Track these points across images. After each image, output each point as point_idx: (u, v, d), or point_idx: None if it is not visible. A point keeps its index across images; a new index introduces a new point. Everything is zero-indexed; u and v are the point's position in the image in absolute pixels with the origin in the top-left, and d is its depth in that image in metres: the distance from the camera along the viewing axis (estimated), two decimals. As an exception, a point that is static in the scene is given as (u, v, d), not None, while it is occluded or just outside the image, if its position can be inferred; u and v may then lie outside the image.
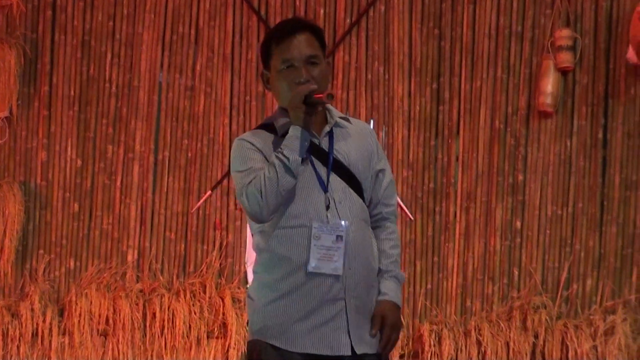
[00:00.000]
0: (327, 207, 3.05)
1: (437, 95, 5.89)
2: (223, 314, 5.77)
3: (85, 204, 5.95)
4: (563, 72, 5.77)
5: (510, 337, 5.66)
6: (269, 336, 3.04)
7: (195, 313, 5.77)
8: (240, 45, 5.98)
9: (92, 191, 5.95)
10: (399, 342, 5.57)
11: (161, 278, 5.88)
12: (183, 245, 5.92)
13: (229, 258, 5.88)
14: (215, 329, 5.79)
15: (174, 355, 5.77)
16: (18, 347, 5.77)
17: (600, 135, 5.80)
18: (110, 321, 5.80)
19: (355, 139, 3.17)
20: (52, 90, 6.00)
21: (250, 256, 5.35)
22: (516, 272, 5.78)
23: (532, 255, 5.78)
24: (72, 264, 5.92)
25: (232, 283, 5.84)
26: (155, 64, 6.00)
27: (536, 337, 5.67)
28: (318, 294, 3.02)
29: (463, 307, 5.80)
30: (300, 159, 2.99)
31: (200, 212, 5.91)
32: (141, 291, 5.86)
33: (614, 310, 5.67)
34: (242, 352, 5.68)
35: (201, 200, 5.87)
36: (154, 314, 5.78)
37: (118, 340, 5.78)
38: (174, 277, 5.89)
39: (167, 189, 5.95)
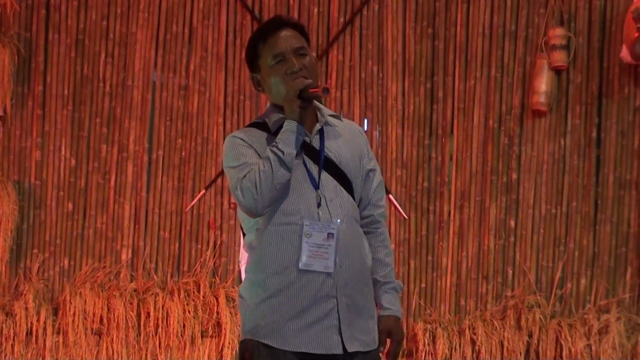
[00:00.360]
0: (319, 205, 3.04)
1: (431, 95, 5.90)
2: (217, 313, 5.77)
3: (79, 203, 5.94)
4: (557, 71, 5.77)
5: (504, 336, 5.66)
6: (261, 335, 3.02)
7: (189, 312, 5.76)
8: (234, 45, 5.98)
9: (86, 190, 5.95)
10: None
11: (155, 277, 5.87)
12: (177, 245, 5.92)
13: (223, 257, 5.88)
14: (210, 328, 5.79)
15: (168, 355, 5.76)
16: (12, 346, 5.77)
17: (594, 135, 5.81)
18: (105, 320, 5.80)
19: (346, 138, 3.17)
20: (46, 89, 5.99)
21: (244, 256, 5.35)
22: (510, 271, 5.77)
23: (526, 254, 5.78)
24: (66, 263, 5.92)
25: (226, 282, 5.84)
26: (149, 63, 6.00)
27: (530, 336, 5.66)
28: (309, 291, 3.00)
29: (457, 306, 5.80)
30: (295, 152, 2.99)
31: (194, 211, 5.91)
32: (135, 290, 5.85)
33: (608, 309, 5.67)
34: (236, 351, 5.67)
35: (195, 200, 5.87)
36: (148, 313, 5.78)
37: (112, 339, 5.78)
38: (168, 276, 5.89)
39: (161, 188, 5.95)
